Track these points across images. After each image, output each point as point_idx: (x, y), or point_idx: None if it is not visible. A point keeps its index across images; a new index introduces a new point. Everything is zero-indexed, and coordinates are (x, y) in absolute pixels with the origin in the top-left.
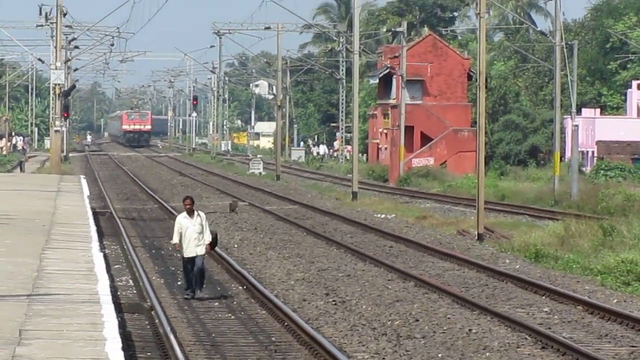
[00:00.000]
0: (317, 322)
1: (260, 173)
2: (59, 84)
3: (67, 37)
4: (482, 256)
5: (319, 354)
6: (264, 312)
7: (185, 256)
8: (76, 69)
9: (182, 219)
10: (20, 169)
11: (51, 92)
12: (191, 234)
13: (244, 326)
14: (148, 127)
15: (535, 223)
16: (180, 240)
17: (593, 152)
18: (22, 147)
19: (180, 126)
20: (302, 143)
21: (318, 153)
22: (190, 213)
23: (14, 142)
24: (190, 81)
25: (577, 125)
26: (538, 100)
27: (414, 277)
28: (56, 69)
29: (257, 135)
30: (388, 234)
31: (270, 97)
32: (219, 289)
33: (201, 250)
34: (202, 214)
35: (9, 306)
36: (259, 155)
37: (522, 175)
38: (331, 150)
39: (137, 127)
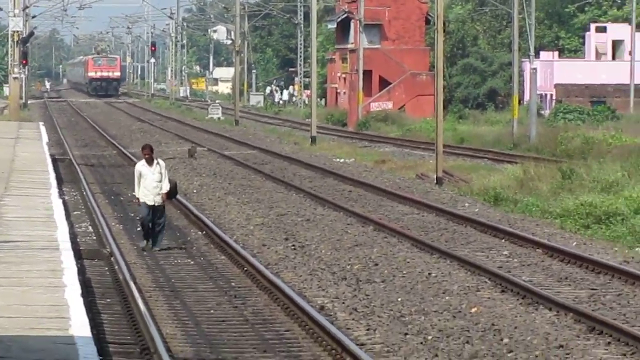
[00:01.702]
0: (277, 267)
1: (219, 118)
2: (17, 31)
3: None
4: (441, 200)
5: (279, 298)
6: (224, 258)
7: (142, 201)
8: (34, 16)
9: (140, 167)
10: None
11: (9, 39)
12: (150, 183)
13: (203, 272)
14: (117, 74)
15: (494, 166)
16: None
17: (552, 95)
18: None
19: (139, 72)
20: (268, 88)
21: (281, 99)
22: (150, 161)
23: None
24: (148, 27)
25: (535, 69)
26: (496, 44)
27: (373, 221)
28: (14, 16)
29: (216, 81)
30: (347, 178)
31: (229, 42)
32: (178, 234)
33: (159, 200)
34: (161, 162)
35: None
36: (217, 101)
37: (481, 119)
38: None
39: (104, 74)
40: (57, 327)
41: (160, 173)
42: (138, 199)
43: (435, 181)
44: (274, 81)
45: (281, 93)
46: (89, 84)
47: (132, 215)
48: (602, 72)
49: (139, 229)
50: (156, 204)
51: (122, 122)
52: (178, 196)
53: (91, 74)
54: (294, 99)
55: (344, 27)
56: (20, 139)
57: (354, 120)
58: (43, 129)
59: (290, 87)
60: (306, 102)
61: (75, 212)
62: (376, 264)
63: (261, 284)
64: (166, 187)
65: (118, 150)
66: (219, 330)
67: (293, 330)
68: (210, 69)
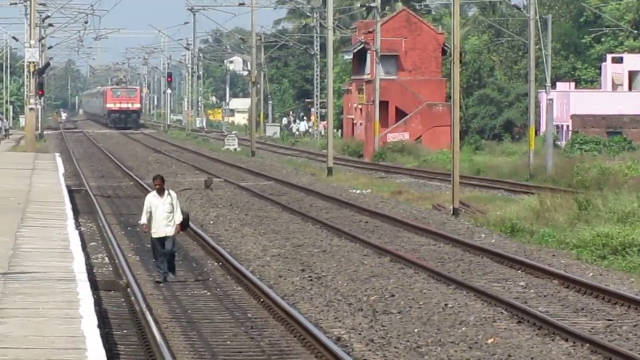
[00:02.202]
0: (293, 298)
1: (235, 149)
2: (33, 62)
3: (41, 15)
4: (457, 231)
5: (295, 330)
6: (240, 289)
7: (153, 237)
8: (50, 47)
9: (151, 198)
10: None
11: (25, 70)
12: (161, 214)
13: (220, 303)
14: (137, 105)
15: (510, 197)
16: (150, 221)
17: (568, 126)
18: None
19: (155, 103)
20: (284, 119)
21: (298, 129)
22: (161, 192)
23: None
24: (164, 58)
25: (551, 99)
26: (512, 75)
27: (389, 252)
28: (30, 47)
29: (232, 112)
30: (363, 209)
31: (245, 73)
32: (194, 265)
33: (170, 231)
34: (172, 193)
35: None
36: (233, 132)
37: (497, 150)
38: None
39: (124, 105)
40: (73, 359)
41: (172, 204)
42: (144, 224)
43: (451, 212)
44: (291, 112)
45: (299, 124)
46: (107, 116)
47: (149, 246)
48: (619, 102)
49: (154, 260)
50: (167, 235)
51: (139, 153)
52: (195, 227)
53: (110, 105)
54: (310, 130)
55: (360, 58)
56: (37, 169)
57: (371, 151)
58: (59, 160)
59: (305, 118)
60: (322, 133)
61: (91, 243)
62: (393, 295)
63: (278, 315)
64: (178, 218)
65: (134, 181)
66: None
67: None
68: (227, 100)
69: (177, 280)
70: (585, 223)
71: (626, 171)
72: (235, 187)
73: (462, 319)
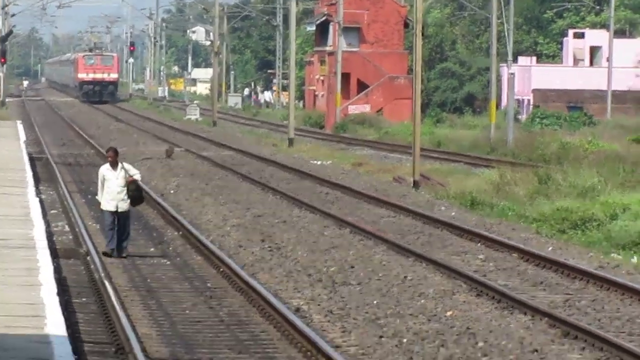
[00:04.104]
0: (253, 268)
1: (196, 119)
2: None
3: None
4: (417, 203)
5: (254, 300)
6: (200, 258)
7: (105, 209)
8: (13, 15)
9: (105, 170)
10: None
11: None
12: (114, 187)
13: (179, 272)
14: (114, 75)
15: (471, 170)
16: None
17: (529, 100)
18: None
19: None
20: (246, 90)
21: (265, 100)
22: (114, 165)
23: None
24: (127, 27)
25: (513, 74)
26: (474, 49)
27: (349, 224)
28: None
29: (194, 82)
30: (324, 181)
31: (207, 43)
32: (154, 234)
33: (124, 206)
34: (127, 165)
35: None
36: (195, 101)
37: (458, 123)
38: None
39: (98, 75)
40: (32, 326)
41: (125, 178)
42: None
43: (412, 184)
44: (252, 83)
45: (263, 93)
46: (78, 88)
47: None
48: (580, 78)
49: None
50: (120, 210)
51: (100, 122)
52: (155, 196)
53: (82, 75)
54: (271, 100)
55: (322, 30)
56: None
57: (332, 123)
58: (21, 128)
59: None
60: (284, 103)
61: (52, 211)
62: (352, 267)
63: (237, 285)
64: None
65: (96, 149)
66: (194, 331)
67: (268, 332)
68: (189, 70)
69: (127, 255)
70: (545, 197)
71: (586, 146)
72: (196, 156)
73: (421, 291)
